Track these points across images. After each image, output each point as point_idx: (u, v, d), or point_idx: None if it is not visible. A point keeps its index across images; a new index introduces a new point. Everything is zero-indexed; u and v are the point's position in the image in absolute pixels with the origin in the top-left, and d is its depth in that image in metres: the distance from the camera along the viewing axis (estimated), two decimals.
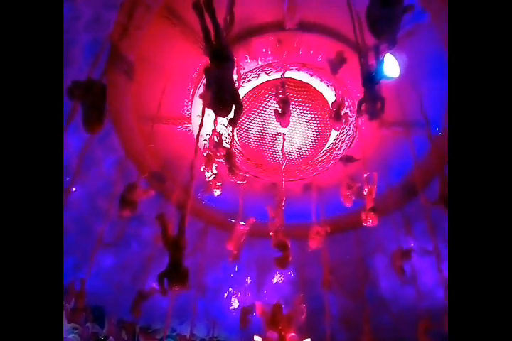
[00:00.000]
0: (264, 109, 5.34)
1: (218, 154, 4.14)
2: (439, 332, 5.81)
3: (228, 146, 4.38)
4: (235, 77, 4.79)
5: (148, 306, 5.60)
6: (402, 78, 4.46)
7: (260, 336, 5.92)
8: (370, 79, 3.12)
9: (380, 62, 3.00)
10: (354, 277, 7.15)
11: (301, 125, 5.50)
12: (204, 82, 2.65)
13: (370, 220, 5.05)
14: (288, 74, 4.94)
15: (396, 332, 8.36)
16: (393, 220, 6.39)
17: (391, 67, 3.01)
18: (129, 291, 5.51)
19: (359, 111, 3.58)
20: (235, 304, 7.73)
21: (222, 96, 2.57)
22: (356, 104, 4.15)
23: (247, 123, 5.54)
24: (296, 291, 7.40)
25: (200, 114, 3.11)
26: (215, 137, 4.30)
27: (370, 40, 3.01)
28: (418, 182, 5.28)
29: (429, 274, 7.09)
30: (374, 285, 7.66)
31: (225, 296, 7.63)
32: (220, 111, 2.59)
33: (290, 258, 4.99)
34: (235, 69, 4.70)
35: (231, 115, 2.69)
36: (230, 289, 7.49)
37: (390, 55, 2.87)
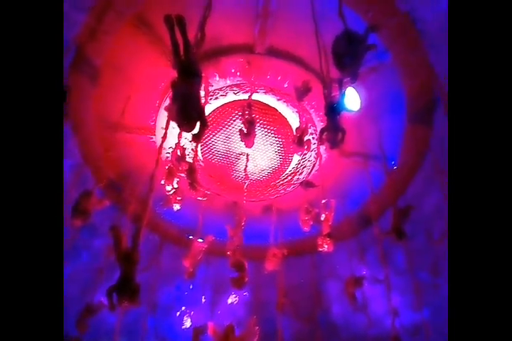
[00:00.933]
0: (230, 128, 5.33)
1: (180, 168, 4.07)
2: None
3: (191, 161, 4.33)
4: (202, 93, 4.82)
5: (96, 321, 5.32)
6: (364, 112, 4.62)
7: None
8: (332, 110, 3.22)
9: (342, 94, 3.10)
10: (308, 301, 7.11)
11: (265, 147, 5.52)
12: (170, 95, 2.62)
13: (326, 246, 5.07)
14: (255, 97, 4.97)
15: None
16: (348, 247, 6.45)
17: (352, 100, 3.13)
18: (76, 304, 5.22)
19: (320, 140, 3.67)
20: (187, 323, 7.46)
21: (188, 112, 2.54)
22: (318, 131, 4.27)
23: (212, 140, 5.49)
24: (250, 313, 7.23)
25: (164, 126, 3.07)
26: (179, 151, 4.24)
27: (334, 72, 3.12)
28: (373, 213, 5.40)
29: (379, 302, 7.14)
30: (326, 310, 7.62)
31: (178, 314, 7.37)
32: (185, 126, 2.54)
33: (246, 279, 4.92)
34: (203, 85, 4.73)
35: (195, 131, 2.68)
36: (183, 307, 7.25)
37: (352, 89, 2.98)
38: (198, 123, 2.61)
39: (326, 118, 3.30)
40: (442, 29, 3.95)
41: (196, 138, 2.70)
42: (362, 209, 5.84)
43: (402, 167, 5.36)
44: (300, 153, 4.76)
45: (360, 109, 3.08)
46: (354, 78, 2.92)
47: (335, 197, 5.18)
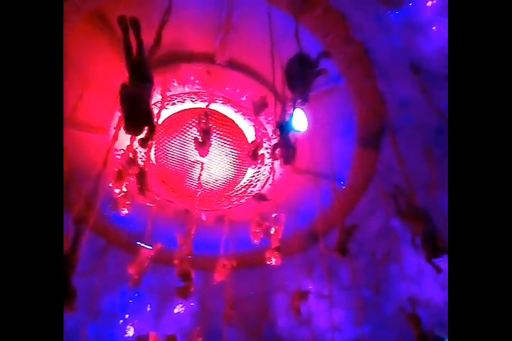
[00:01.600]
0: (186, 135, 5.29)
1: (130, 172, 3.99)
2: None
3: (142, 165, 4.25)
4: (159, 97, 4.77)
5: None
6: (317, 132, 4.77)
7: None
8: (281, 128, 3.32)
9: (290, 115, 3.21)
10: (255, 314, 7.09)
11: (221, 157, 5.52)
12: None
13: (274, 259, 5.09)
14: (213, 107, 4.98)
15: None
16: (296, 262, 6.51)
17: (299, 121, 3.24)
18: None
19: (272, 155, 3.75)
20: (130, 332, 7.20)
21: (135, 116, 2.48)
22: (271, 147, 4.36)
23: (167, 145, 5.42)
24: (196, 323, 7.10)
25: (116, 127, 3.02)
26: (130, 154, 4.16)
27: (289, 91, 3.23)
28: (320, 230, 5.52)
29: (322, 317, 7.23)
30: (273, 323, 7.60)
31: (121, 322, 7.11)
32: (131, 129, 2.47)
33: (192, 289, 4.84)
34: (161, 90, 4.70)
35: (143, 135, 2.63)
36: (127, 316, 7.01)
37: (300, 111, 3.11)
38: (147, 128, 2.56)
39: (277, 135, 3.39)
40: (392, 60, 4.21)
41: (143, 143, 2.64)
42: (311, 225, 5.94)
43: (350, 188, 5.54)
44: (254, 166, 4.82)
45: (307, 130, 3.21)
46: (304, 100, 3.03)
47: (286, 212, 5.25)
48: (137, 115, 2.50)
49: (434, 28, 3.79)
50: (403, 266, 5.85)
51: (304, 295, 6.33)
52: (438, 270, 4.07)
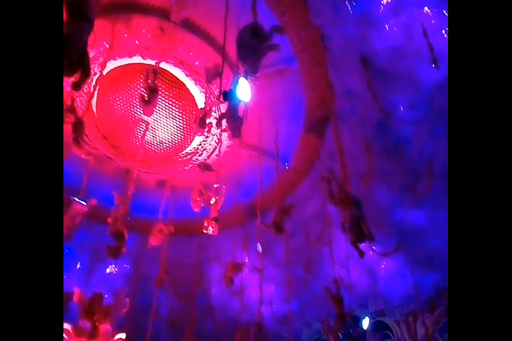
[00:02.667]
0: (132, 91, 5.25)
1: (66, 120, 3.87)
2: None
3: (80, 114, 4.13)
4: (106, 46, 4.54)
5: None
6: (266, 110, 4.90)
7: (72, 324, 5.64)
8: (224, 95, 3.39)
9: (235, 83, 3.28)
10: (188, 281, 7.31)
11: (167, 120, 5.59)
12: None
13: (211, 229, 5.27)
14: (164, 66, 4.96)
15: (216, 339, 8.68)
16: (234, 235, 6.77)
17: (243, 90, 3.32)
18: None
19: (219, 124, 3.80)
20: None
21: (69, 56, 2.38)
22: (218, 116, 4.43)
23: (111, 98, 5.36)
24: (128, 285, 7.27)
25: None
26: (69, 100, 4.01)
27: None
28: (258, 206, 5.73)
29: (254, 290, 7.57)
30: (206, 291, 7.91)
31: None
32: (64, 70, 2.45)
33: (124, 249, 4.92)
34: (110, 39, 4.48)
35: (76, 79, 2.53)
36: None
37: (244, 80, 3.17)
38: (80, 71, 2.49)
39: (225, 104, 3.45)
40: (345, 50, 4.34)
41: (75, 87, 2.59)
42: (251, 201, 6.14)
43: (292, 169, 5.75)
44: (200, 133, 4.85)
45: (250, 101, 3.30)
46: (253, 71, 3.08)
47: (228, 185, 5.40)
48: (71, 55, 2.41)
49: (386, 26, 3.92)
50: (333, 250, 6.17)
51: (238, 267, 6.61)
52: (361, 254, 4.39)
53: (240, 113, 3.61)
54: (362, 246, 6.82)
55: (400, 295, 6.79)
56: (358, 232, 3.97)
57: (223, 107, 5.27)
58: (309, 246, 6.86)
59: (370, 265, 6.70)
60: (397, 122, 4.61)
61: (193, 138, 5.75)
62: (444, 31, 3.79)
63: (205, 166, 5.66)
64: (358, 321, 7.72)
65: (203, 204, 5.56)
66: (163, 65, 4.89)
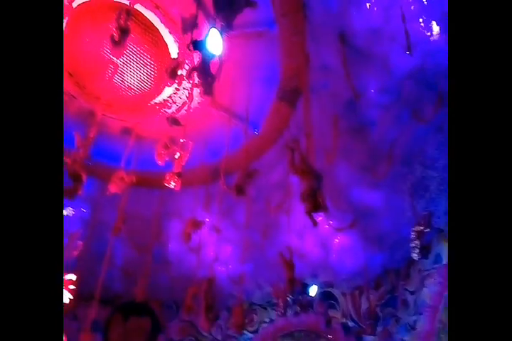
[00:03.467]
0: (103, 29, 5.25)
1: None
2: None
3: None
4: None
5: None
6: (240, 72, 5.10)
7: None
8: (194, 44, 3.55)
9: (206, 35, 3.45)
10: (146, 233, 7.80)
11: (138, 66, 5.70)
12: None
13: (173, 183, 5.55)
14: (140, 8, 5.02)
15: (169, 293, 9.41)
16: (197, 193, 7.19)
17: (214, 42, 3.51)
18: None
19: (188, 76, 3.99)
20: None
21: None
22: (189, 68, 4.60)
23: (80, 33, 5.42)
24: (84, 229, 7.75)
25: None
26: None
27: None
28: (223, 167, 6.10)
29: (211, 249, 8.15)
30: (163, 245, 8.47)
31: None
32: None
33: (80, 192, 5.24)
34: None
35: None
36: None
37: (216, 31, 3.36)
38: None
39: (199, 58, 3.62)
40: (324, 24, 4.53)
41: None
42: (216, 162, 6.49)
43: (261, 136, 6.07)
44: (170, 84, 5.00)
45: (223, 57, 3.51)
46: (227, 26, 3.26)
47: (195, 142, 5.67)
48: None
49: (368, 4, 4.10)
50: (291, 219, 6.65)
51: (197, 224, 6.98)
52: (315, 223, 4.74)
53: (213, 69, 3.77)
54: (319, 220, 7.40)
55: (349, 269, 7.45)
56: (314, 202, 4.29)
57: (197, 61, 5.41)
58: (269, 212, 7.37)
59: (325, 238, 7.28)
60: (365, 104, 4.91)
61: (163, 89, 5.88)
62: (421, 19, 4.00)
63: (173, 120, 5.82)
64: (306, 288, 8.43)
65: (167, 158, 5.88)
66: (138, 7, 4.93)
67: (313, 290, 8.25)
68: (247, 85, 5.48)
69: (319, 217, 7.32)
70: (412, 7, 3.93)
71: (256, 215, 7.56)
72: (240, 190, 5.86)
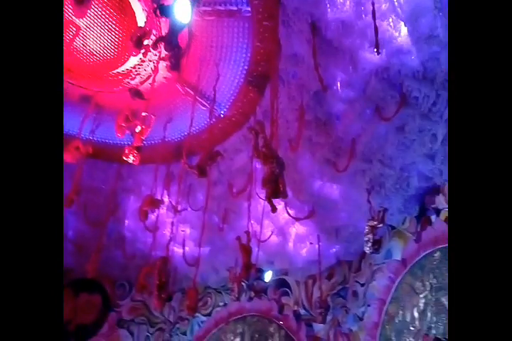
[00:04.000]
0: None
1: None
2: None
3: None
4: None
5: None
6: (209, 51, 5.13)
7: None
8: (160, 9, 3.56)
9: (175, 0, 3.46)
10: (102, 207, 7.85)
11: (102, 31, 5.66)
12: None
13: (132, 158, 5.49)
14: None
15: (122, 271, 9.55)
16: (158, 171, 7.27)
17: (182, 9, 3.56)
18: None
19: (154, 46, 3.99)
20: None
21: None
22: (155, 38, 4.62)
23: None
24: None
25: None
26: None
27: None
28: (185, 147, 6.21)
29: (168, 230, 8.29)
30: (118, 221, 8.57)
31: None
32: None
33: None
34: None
35: None
36: None
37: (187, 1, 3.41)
38: None
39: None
40: (298, 12, 4.63)
41: None
42: (179, 141, 6.58)
43: (227, 119, 6.19)
44: (135, 54, 4.99)
45: (191, 27, 3.54)
46: None
47: (157, 117, 5.70)
48: None
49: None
50: (251, 205, 6.84)
51: (155, 202, 7.05)
52: (274, 208, 4.89)
53: (181, 42, 3.79)
54: (279, 208, 7.64)
55: (304, 259, 7.79)
56: (275, 188, 4.43)
57: (164, 32, 5.38)
58: (230, 197, 7.57)
59: (283, 226, 7.56)
60: (331, 97, 5.09)
61: (127, 58, 5.84)
62: (391, 19, 4.16)
63: (136, 92, 5.81)
64: (262, 273, 8.75)
65: (127, 131, 5.88)
66: None
67: (268, 276, 8.59)
68: (215, 65, 5.56)
69: (279, 205, 7.66)
70: (384, 6, 4.08)
71: (217, 199, 7.75)
72: (201, 171, 5.95)
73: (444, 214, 5.32)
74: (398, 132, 4.95)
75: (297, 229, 7.45)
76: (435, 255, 5.22)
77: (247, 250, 6.30)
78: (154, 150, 6.81)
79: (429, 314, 5.18)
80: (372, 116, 5.01)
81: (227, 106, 6.16)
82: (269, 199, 4.60)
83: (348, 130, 5.31)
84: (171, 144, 6.92)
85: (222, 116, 6.27)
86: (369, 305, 6.77)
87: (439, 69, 4.26)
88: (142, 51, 4.89)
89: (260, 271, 8.83)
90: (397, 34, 4.20)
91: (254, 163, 6.56)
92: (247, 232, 6.43)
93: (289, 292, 8.57)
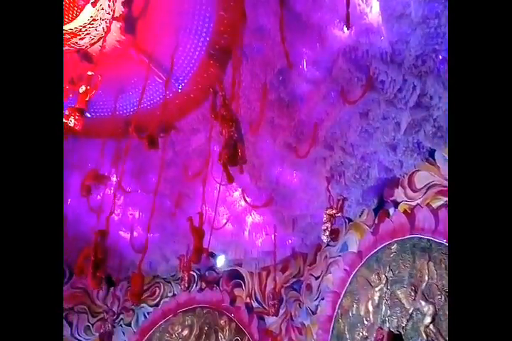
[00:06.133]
0: None
1: None
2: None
3: None
4: None
5: None
6: (171, 16, 4.89)
7: None
8: None
9: None
10: None
11: None
12: None
13: (73, 120, 5.17)
14: None
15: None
16: (106, 146, 6.96)
17: None
18: None
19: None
20: None
21: None
22: None
23: None
24: None
25: None
26: None
27: None
28: (134, 123, 5.91)
29: (114, 212, 8.02)
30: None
31: None
32: None
33: None
34: None
35: None
36: None
37: None
38: None
39: None
40: None
41: None
42: (130, 114, 6.32)
43: (184, 94, 5.98)
44: (83, 3, 4.67)
45: None
46: None
47: (107, 86, 5.41)
48: None
49: None
50: (207, 190, 6.69)
51: (100, 177, 6.72)
52: (230, 178, 4.66)
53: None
54: (236, 196, 7.51)
55: (260, 249, 7.76)
56: (233, 153, 4.23)
57: None
58: (185, 180, 7.39)
59: (239, 214, 7.48)
60: (296, 76, 5.01)
61: (77, 15, 5.48)
62: None
63: (84, 54, 5.59)
64: (214, 258, 8.53)
65: (70, 95, 5.48)
66: None
67: (220, 261, 8.43)
68: (174, 33, 5.35)
69: (235, 191, 7.56)
70: None
71: (170, 182, 7.55)
72: (152, 142, 5.72)
73: (403, 206, 5.38)
74: (362, 118, 4.92)
75: (254, 217, 7.40)
76: (392, 247, 5.28)
77: (198, 233, 5.97)
78: (103, 124, 6.59)
79: (383, 307, 5.24)
80: (337, 99, 4.96)
81: (185, 81, 5.97)
82: (225, 166, 4.38)
83: (312, 113, 5.25)
84: (122, 118, 6.64)
85: (179, 90, 6.06)
86: (323, 299, 6.83)
87: (408, 52, 4.23)
88: (95, 7, 4.63)
89: (212, 256, 8.64)
90: (368, 10, 4.15)
91: (212, 146, 6.43)
92: (200, 213, 6.13)
93: (242, 283, 8.54)
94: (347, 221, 6.37)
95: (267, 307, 7.91)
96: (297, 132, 5.52)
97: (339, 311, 6.33)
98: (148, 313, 9.28)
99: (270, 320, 7.83)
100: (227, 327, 8.18)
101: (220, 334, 8.27)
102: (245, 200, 7.12)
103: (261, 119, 5.46)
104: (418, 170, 5.17)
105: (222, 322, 8.25)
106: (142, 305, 9.07)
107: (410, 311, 4.85)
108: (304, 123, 5.40)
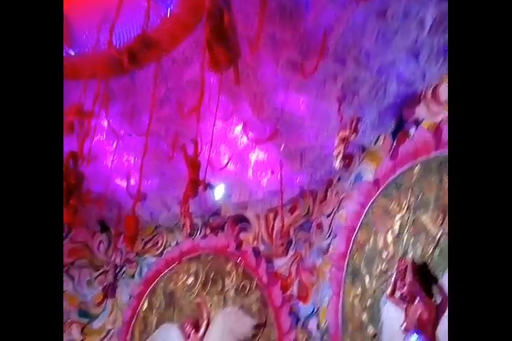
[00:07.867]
0: None
1: None
2: None
3: None
4: None
5: None
6: None
7: None
8: None
9: None
10: None
11: None
12: None
13: None
14: None
15: None
16: (92, 87, 6.34)
17: None
18: None
19: None
20: None
21: None
22: None
23: None
24: None
25: None
26: None
27: None
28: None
29: (108, 159, 7.54)
30: None
31: None
32: None
33: None
34: None
35: None
36: None
37: None
38: None
39: None
40: None
41: None
42: (124, 46, 5.68)
43: (175, 19, 5.32)
44: None
45: None
46: None
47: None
48: None
49: None
50: (204, 127, 6.15)
51: (84, 114, 6.21)
52: (216, 65, 4.18)
53: None
54: (237, 131, 6.94)
55: (265, 189, 7.30)
56: (219, 25, 3.61)
57: None
58: (180, 118, 6.80)
59: (241, 152, 6.95)
60: None
61: None
62: None
63: None
64: (212, 189, 7.99)
65: None
66: None
67: (219, 193, 7.96)
68: None
69: (237, 126, 6.99)
70: None
71: (165, 121, 6.96)
72: (132, 57, 5.26)
73: (426, 123, 4.78)
74: (379, 19, 4.22)
75: (258, 155, 6.86)
76: (414, 170, 4.74)
77: (193, 164, 5.28)
78: (88, 61, 5.82)
79: (405, 236, 4.79)
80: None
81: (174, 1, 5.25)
82: (209, 46, 3.68)
83: (319, 20, 4.54)
84: (109, 52, 5.92)
85: (168, 16, 5.36)
86: (335, 236, 6.43)
87: None
88: None
89: (210, 187, 8.06)
90: None
91: (208, 77, 5.83)
92: (194, 141, 5.45)
93: (248, 227, 8.17)
94: (361, 149, 5.82)
95: (275, 248, 7.59)
96: (303, 46, 4.81)
97: (354, 246, 5.92)
98: (151, 264, 9.04)
99: (279, 263, 7.47)
100: (233, 273, 7.87)
101: (226, 279, 7.99)
102: (247, 136, 6.58)
103: (260, 35, 4.81)
104: (444, 82, 4.55)
105: (228, 267, 7.94)
106: (145, 256, 8.89)
107: (438, 237, 4.40)
108: (310, 34, 4.68)
